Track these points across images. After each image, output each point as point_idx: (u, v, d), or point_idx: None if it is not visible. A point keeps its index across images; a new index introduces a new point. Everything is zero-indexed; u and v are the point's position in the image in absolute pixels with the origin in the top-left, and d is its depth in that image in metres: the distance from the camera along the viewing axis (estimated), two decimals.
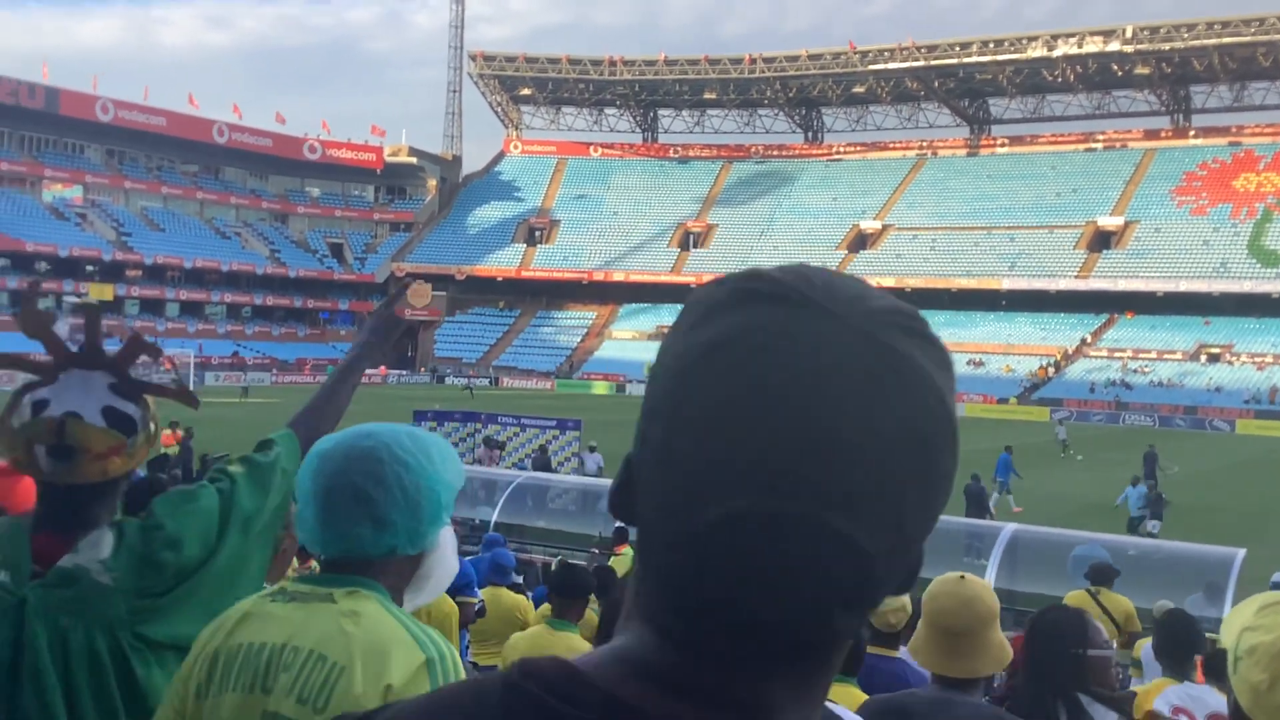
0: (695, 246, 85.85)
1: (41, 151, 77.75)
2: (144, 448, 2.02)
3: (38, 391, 1.96)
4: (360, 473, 1.76)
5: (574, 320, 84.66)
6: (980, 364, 67.58)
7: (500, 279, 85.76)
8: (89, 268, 73.78)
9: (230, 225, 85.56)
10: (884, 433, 0.66)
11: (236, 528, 2.07)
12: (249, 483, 2.13)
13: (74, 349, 1.98)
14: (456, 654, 1.79)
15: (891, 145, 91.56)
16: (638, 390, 69.51)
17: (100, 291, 72.06)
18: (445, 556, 1.90)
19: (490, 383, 72.55)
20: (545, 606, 6.69)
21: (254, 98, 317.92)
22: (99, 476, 1.96)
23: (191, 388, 2.25)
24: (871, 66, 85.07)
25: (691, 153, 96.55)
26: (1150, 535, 19.44)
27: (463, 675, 1.77)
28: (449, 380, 72.27)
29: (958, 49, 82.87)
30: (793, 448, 0.65)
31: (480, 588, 6.86)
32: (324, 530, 1.78)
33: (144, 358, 2.04)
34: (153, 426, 2.03)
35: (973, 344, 69.01)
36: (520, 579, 9.13)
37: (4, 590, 1.91)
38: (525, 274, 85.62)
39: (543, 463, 22.99)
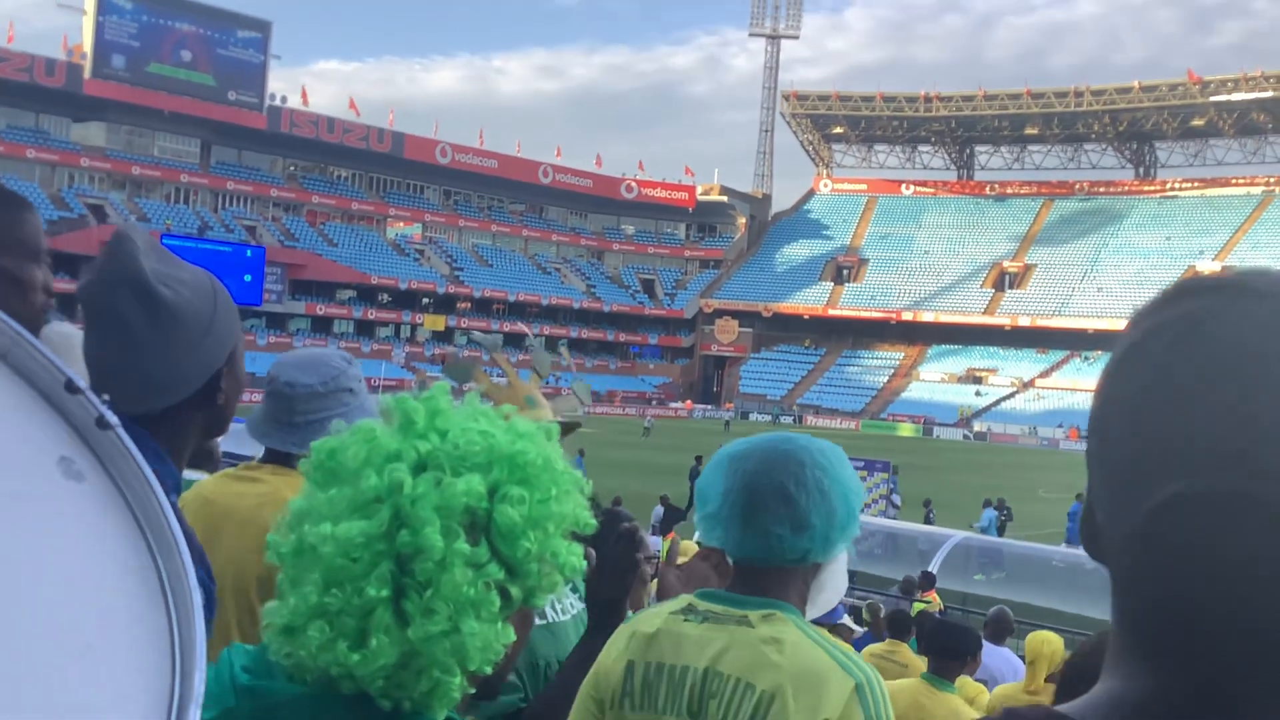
0: (1011, 287, 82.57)
1: (386, 192, 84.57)
2: None
3: None
4: (784, 473, 1.78)
5: (880, 360, 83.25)
6: None
7: (807, 317, 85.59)
8: (424, 300, 79.39)
9: (551, 261, 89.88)
10: None
11: None
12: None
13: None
14: (880, 677, 1.76)
15: (1234, 181, 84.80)
16: (945, 433, 67.49)
17: (434, 322, 77.42)
18: (838, 572, 1.88)
19: (795, 420, 72.41)
20: (876, 647, 6.50)
21: (576, 140, 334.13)
22: None
23: None
24: (1213, 98, 79.33)
25: (1009, 190, 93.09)
26: None
27: (889, 698, 1.74)
28: (753, 416, 72.76)
29: None
30: (1218, 424, 0.63)
31: None
32: (743, 529, 1.79)
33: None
34: None
35: None
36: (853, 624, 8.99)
37: None
38: (832, 312, 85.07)
39: None
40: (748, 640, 1.73)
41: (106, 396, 0.81)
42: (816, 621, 5.99)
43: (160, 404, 1.72)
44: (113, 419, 0.82)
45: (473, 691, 1.15)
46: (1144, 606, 0.68)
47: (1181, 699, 0.66)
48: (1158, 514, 0.65)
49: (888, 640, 7.46)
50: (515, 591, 1.13)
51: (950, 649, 5.18)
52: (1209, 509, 0.63)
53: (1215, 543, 0.63)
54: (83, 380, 0.81)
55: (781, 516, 1.76)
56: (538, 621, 2.07)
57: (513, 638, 1.14)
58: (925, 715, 4.82)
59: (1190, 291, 0.68)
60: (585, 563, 1.18)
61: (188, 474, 2.88)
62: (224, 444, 3.30)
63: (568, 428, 2.25)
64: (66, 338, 2.48)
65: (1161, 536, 0.65)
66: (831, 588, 1.87)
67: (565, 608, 2.17)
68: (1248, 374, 0.63)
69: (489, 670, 1.12)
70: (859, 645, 7.93)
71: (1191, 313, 0.67)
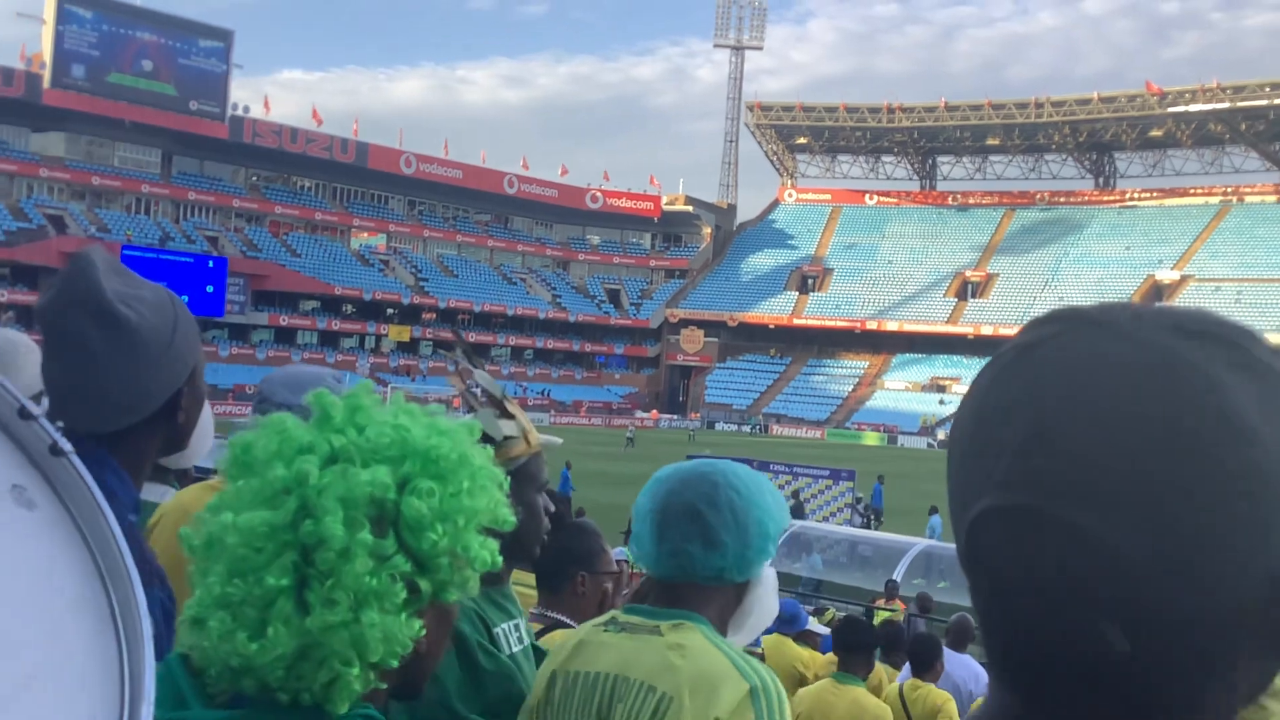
0: (974, 296, 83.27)
1: (350, 202, 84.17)
2: None
3: None
4: (695, 492, 1.85)
5: (845, 369, 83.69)
6: None
7: (772, 326, 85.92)
8: (389, 310, 79.04)
9: (516, 271, 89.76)
10: (1129, 426, 0.62)
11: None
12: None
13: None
14: (780, 684, 1.81)
15: (1192, 191, 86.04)
16: (910, 441, 67.94)
17: (399, 333, 77.07)
18: (766, 595, 1.93)
19: (760, 430, 72.62)
20: (829, 656, 6.53)
21: (541, 150, 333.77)
22: None
23: None
24: (1171, 109, 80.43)
25: (971, 200, 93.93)
26: None
27: (786, 705, 1.79)
28: (719, 426, 72.90)
29: (1268, 89, 77.15)
30: (1027, 443, 0.64)
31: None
32: (657, 546, 1.86)
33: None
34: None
35: None
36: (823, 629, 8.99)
37: None
38: (797, 322, 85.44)
39: (796, 510, 22.83)
40: (654, 647, 1.79)
41: (60, 423, 0.79)
42: (785, 630, 5.96)
43: (121, 423, 1.72)
44: (66, 446, 0.79)
45: (384, 687, 1.13)
46: (980, 626, 0.69)
47: (1017, 705, 0.67)
48: (972, 531, 0.66)
49: None
50: (424, 585, 1.12)
51: (851, 643, 5.29)
52: (1008, 525, 0.64)
53: (1015, 559, 0.64)
54: (37, 407, 0.78)
55: (692, 534, 1.83)
56: (517, 647, 2.08)
57: (420, 632, 1.12)
58: (829, 709, 4.95)
59: (1041, 321, 0.70)
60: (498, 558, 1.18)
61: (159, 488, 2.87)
62: (204, 462, 3.28)
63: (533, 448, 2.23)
64: (7, 343, 2.47)
65: (975, 555, 0.67)
66: (758, 613, 1.92)
67: (523, 636, 2.17)
68: (1050, 396, 0.64)
69: (394, 663, 1.11)
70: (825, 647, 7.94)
71: (1029, 340, 0.68)
